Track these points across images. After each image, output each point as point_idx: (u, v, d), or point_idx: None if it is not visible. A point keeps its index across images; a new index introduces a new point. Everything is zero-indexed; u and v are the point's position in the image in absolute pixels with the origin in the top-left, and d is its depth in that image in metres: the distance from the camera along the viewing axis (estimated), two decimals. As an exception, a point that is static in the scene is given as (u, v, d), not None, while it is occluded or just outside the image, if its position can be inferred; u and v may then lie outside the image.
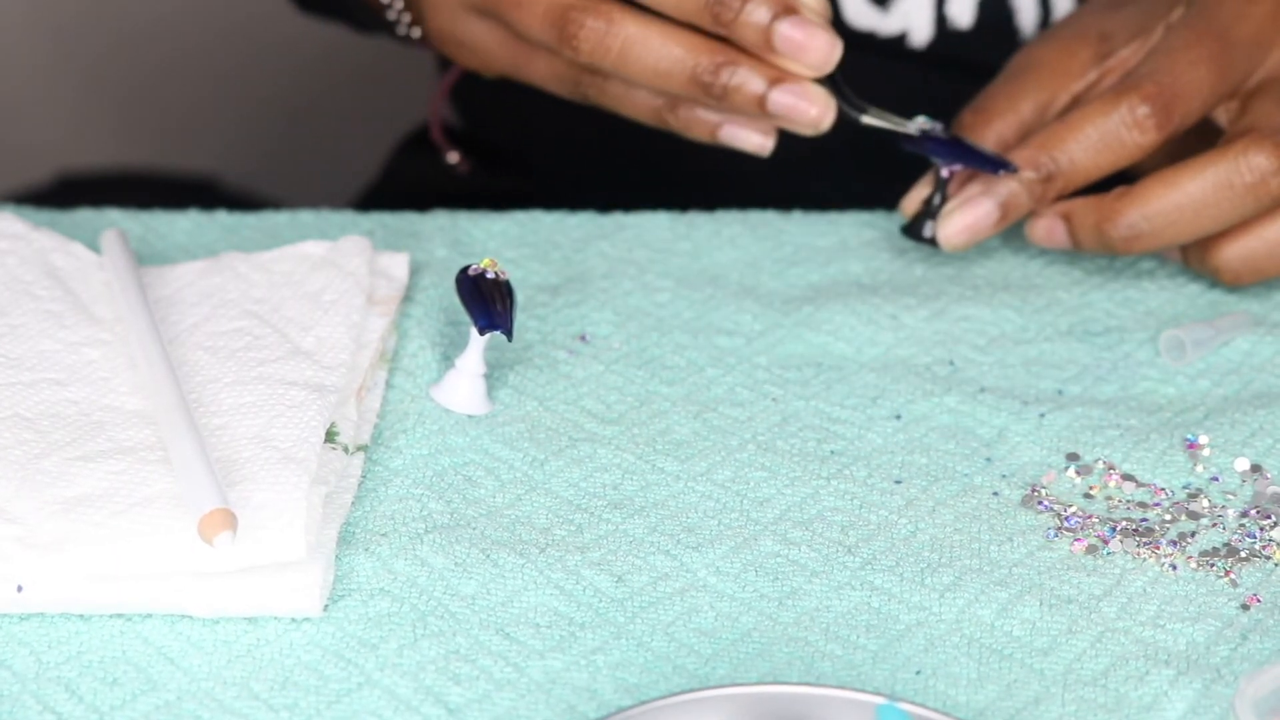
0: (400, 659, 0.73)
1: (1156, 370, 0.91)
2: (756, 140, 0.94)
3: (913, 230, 0.95)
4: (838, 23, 1.12)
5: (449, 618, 0.75)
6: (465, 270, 0.85)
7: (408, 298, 0.92)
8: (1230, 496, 0.83)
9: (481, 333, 0.84)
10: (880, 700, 0.67)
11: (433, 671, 0.73)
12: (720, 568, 0.78)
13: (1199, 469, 0.84)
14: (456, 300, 0.86)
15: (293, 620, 0.75)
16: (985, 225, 0.94)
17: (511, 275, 0.88)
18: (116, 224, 0.98)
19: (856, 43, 1.12)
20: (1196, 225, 0.92)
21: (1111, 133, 0.92)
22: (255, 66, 2.08)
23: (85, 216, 0.99)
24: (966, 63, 1.11)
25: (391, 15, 1.04)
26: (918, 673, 0.73)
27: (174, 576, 0.74)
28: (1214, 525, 0.81)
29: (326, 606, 0.75)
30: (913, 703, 0.67)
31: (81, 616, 0.74)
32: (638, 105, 0.95)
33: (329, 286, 0.88)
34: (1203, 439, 0.85)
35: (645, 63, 0.91)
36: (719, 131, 0.94)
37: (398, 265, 0.92)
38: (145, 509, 0.75)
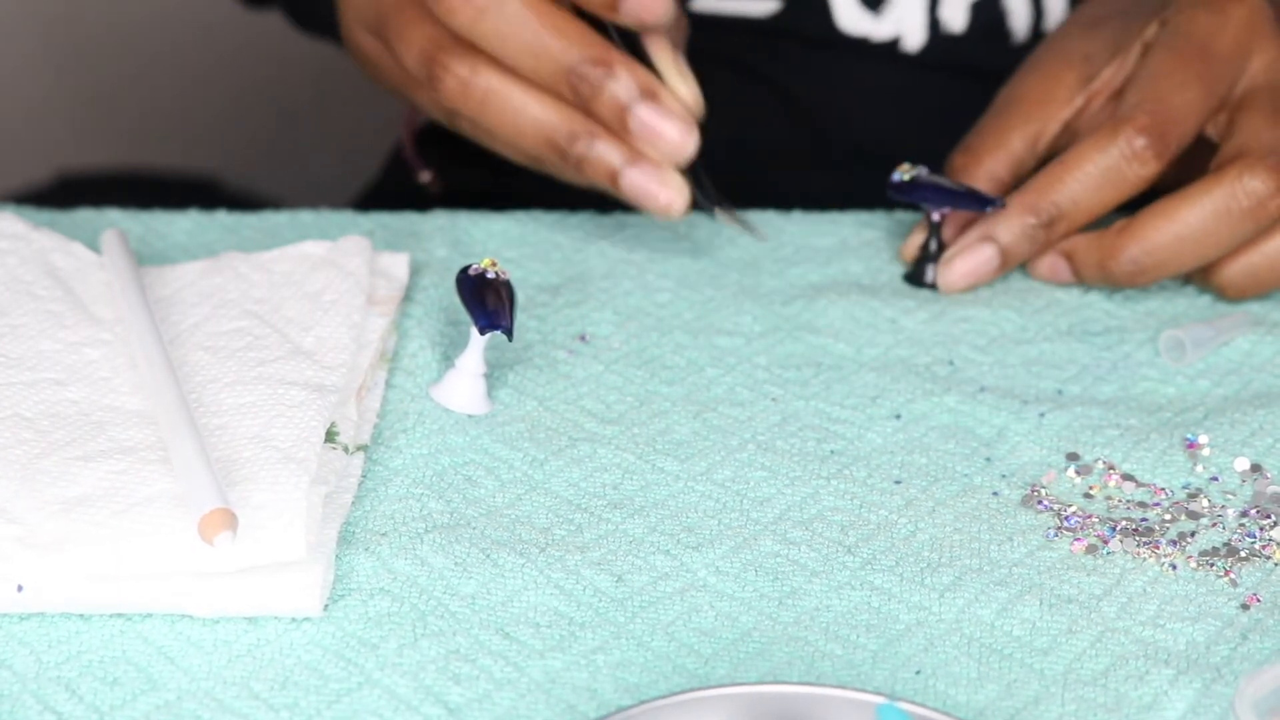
0: (400, 659, 0.73)
1: (1156, 370, 0.91)
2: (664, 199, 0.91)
3: (914, 277, 0.96)
4: (831, 28, 1.12)
5: (449, 618, 0.75)
6: (465, 270, 0.85)
7: (408, 298, 0.92)
8: (1230, 496, 0.83)
9: (481, 333, 0.84)
10: (880, 700, 0.67)
11: (433, 671, 0.72)
12: (720, 568, 0.78)
13: (1199, 469, 0.84)
14: (456, 300, 0.86)
15: (293, 620, 0.75)
16: (986, 271, 0.95)
17: (511, 275, 0.88)
18: (116, 224, 0.98)
19: (850, 48, 1.12)
20: (1199, 253, 0.92)
21: (1112, 169, 0.92)
22: (256, 67, 2.08)
23: (85, 216, 0.99)
24: (960, 67, 1.11)
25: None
26: (918, 673, 0.73)
27: (174, 576, 0.74)
28: (1214, 525, 0.81)
29: (326, 606, 0.75)
30: (913, 703, 0.67)
31: (81, 616, 0.74)
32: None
33: (329, 286, 0.88)
34: (1203, 439, 0.85)
35: (504, 117, 0.91)
36: (621, 179, 0.91)
37: (398, 265, 0.92)
38: (145, 509, 0.75)
